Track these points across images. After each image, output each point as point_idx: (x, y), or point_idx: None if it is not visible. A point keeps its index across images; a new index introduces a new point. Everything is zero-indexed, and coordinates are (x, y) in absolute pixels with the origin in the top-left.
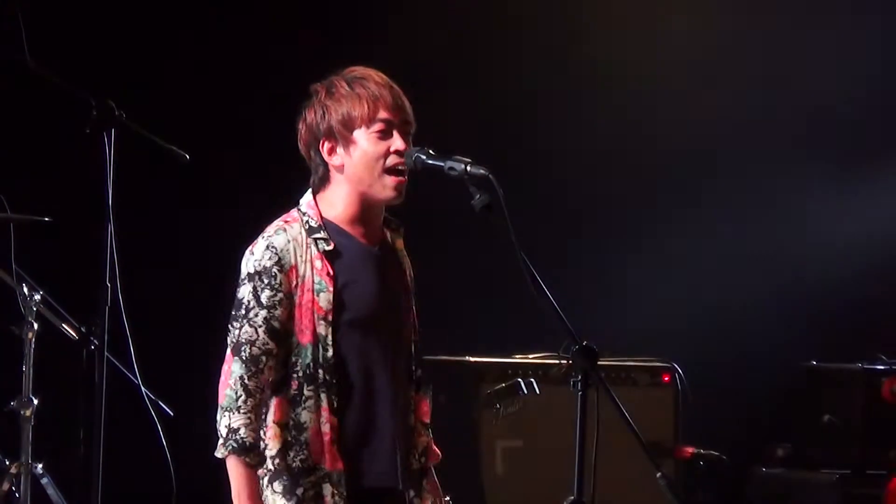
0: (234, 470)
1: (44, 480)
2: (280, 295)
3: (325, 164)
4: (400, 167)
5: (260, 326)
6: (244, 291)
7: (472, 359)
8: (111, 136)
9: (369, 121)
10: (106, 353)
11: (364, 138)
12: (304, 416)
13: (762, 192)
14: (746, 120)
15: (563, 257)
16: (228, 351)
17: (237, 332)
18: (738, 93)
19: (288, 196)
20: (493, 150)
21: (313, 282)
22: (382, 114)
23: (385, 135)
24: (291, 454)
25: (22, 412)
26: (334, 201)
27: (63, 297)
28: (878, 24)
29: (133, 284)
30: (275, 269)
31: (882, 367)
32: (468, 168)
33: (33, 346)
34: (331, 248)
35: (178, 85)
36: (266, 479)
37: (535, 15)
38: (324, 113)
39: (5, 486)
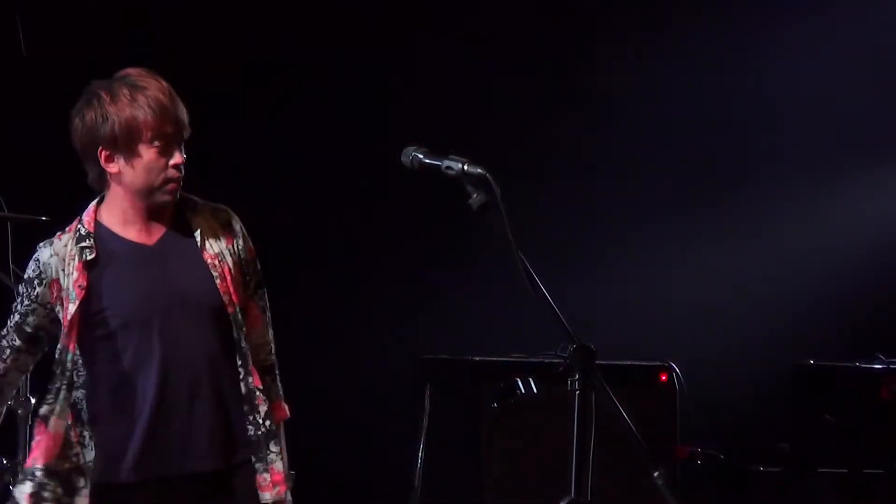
0: None
1: None
2: (34, 306)
3: (101, 170)
4: (176, 178)
5: (12, 327)
6: (19, 290)
7: (470, 358)
8: None
9: (152, 134)
10: None
11: (146, 152)
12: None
13: (760, 193)
14: (745, 120)
15: (562, 257)
16: None
17: (6, 325)
18: (738, 93)
19: (283, 195)
20: (492, 149)
21: (67, 292)
22: (165, 127)
23: (166, 148)
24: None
25: (19, 411)
26: (111, 204)
27: None
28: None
29: None
30: (35, 282)
31: (880, 367)
32: (465, 167)
33: None
34: (92, 257)
35: (177, 83)
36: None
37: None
38: (105, 119)
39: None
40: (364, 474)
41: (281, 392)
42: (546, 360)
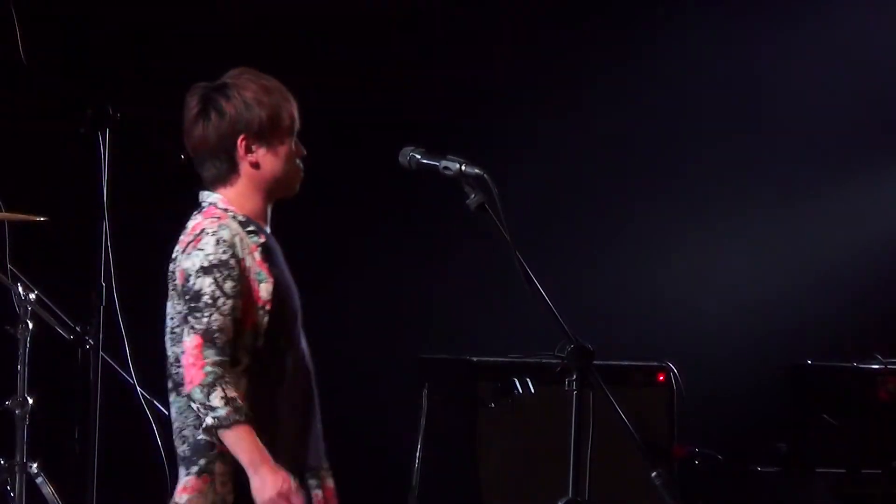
0: (249, 435)
1: (38, 479)
2: (240, 285)
3: (234, 160)
4: (302, 170)
5: (227, 315)
6: (203, 283)
7: (468, 358)
8: (106, 135)
9: (290, 125)
10: (101, 352)
11: (287, 142)
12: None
13: (759, 193)
14: (744, 120)
15: (559, 257)
16: (195, 337)
17: (206, 320)
18: (738, 93)
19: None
20: (491, 148)
21: (255, 272)
22: (297, 119)
23: (297, 140)
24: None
25: (17, 412)
26: (242, 197)
27: (58, 296)
28: None
29: (128, 284)
30: (232, 261)
31: (877, 367)
32: (463, 167)
33: (28, 345)
34: (262, 241)
35: (174, 84)
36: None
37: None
38: (248, 107)
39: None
40: (362, 474)
41: None
42: (544, 361)
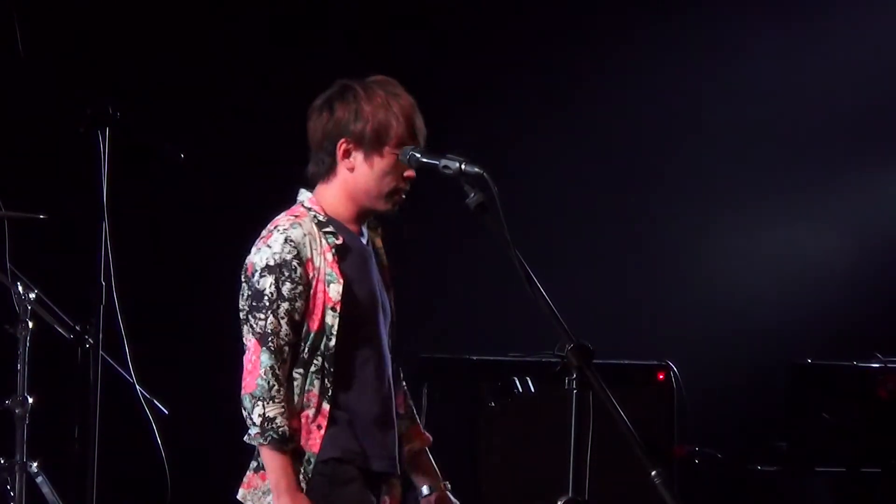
0: (274, 460)
1: (38, 479)
2: (300, 287)
3: (335, 161)
4: (404, 189)
5: (283, 318)
6: (265, 283)
7: (468, 357)
8: (105, 134)
9: (397, 142)
10: (100, 351)
11: (387, 156)
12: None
13: (759, 193)
14: (744, 119)
15: (559, 256)
16: (253, 341)
17: (262, 322)
18: (738, 93)
19: (283, 195)
20: (491, 148)
21: (325, 273)
22: (410, 139)
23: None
24: None
25: (17, 411)
26: (334, 198)
27: (58, 295)
28: None
29: (128, 283)
30: (294, 262)
31: (877, 366)
32: (463, 166)
33: (28, 345)
34: (340, 242)
35: (174, 83)
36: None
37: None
38: (358, 115)
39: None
40: None
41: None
42: (544, 360)
